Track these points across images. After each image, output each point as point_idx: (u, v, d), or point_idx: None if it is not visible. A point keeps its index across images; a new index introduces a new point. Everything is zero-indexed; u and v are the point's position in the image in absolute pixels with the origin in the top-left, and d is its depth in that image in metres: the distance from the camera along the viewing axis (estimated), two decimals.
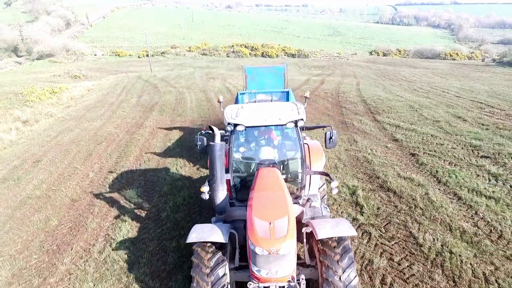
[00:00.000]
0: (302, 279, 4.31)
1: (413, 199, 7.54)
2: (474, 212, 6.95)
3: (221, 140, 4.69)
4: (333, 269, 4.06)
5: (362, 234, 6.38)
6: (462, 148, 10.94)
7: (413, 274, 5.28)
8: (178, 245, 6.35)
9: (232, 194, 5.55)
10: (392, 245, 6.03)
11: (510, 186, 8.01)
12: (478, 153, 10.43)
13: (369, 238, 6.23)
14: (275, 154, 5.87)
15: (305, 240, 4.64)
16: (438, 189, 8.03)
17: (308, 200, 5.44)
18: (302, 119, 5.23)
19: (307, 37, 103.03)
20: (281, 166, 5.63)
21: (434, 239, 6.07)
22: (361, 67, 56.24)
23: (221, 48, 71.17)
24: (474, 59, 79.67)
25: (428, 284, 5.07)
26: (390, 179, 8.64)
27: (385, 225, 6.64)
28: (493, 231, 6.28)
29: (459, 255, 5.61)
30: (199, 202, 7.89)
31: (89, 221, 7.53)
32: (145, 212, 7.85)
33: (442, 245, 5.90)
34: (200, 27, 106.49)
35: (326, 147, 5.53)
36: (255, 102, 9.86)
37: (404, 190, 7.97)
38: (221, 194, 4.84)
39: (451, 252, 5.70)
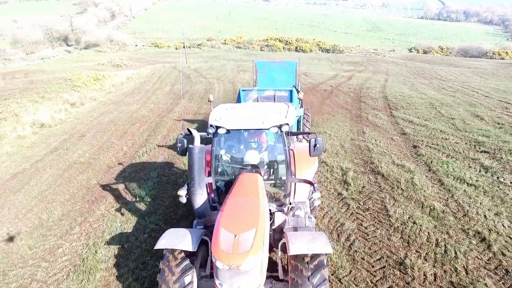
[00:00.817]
0: None
1: (398, 181, 8.47)
2: (450, 195, 7.77)
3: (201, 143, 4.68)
4: (303, 286, 3.90)
5: (342, 206, 7.48)
6: (465, 144, 11.46)
7: (375, 236, 6.34)
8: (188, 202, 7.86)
9: (215, 198, 5.41)
10: (366, 215, 7.08)
11: (497, 178, 8.63)
12: (479, 148, 10.94)
13: (347, 209, 7.33)
14: (260, 158, 5.53)
15: (280, 252, 4.52)
16: (425, 176, 8.86)
17: (291, 209, 5.36)
18: (287, 124, 4.95)
19: (344, 32, 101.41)
20: (269, 172, 5.51)
21: (403, 213, 7.05)
22: (397, 64, 55.05)
23: (255, 41, 72.53)
24: None
25: (384, 243, 6.12)
26: (383, 165, 9.56)
27: (364, 200, 7.68)
28: (460, 210, 7.11)
29: (420, 225, 6.57)
30: None
31: (120, 182, 9.27)
32: (165, 177, 9.45)
33: (408, 217, 6.87)
34: (236, 20, 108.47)
35: (310, 155, 5.13)
36: (257, 99, 9.86)
37: (392, 174, 8.89)
38: (200, 198, 4.82)
39: (414, 223, 6.67)
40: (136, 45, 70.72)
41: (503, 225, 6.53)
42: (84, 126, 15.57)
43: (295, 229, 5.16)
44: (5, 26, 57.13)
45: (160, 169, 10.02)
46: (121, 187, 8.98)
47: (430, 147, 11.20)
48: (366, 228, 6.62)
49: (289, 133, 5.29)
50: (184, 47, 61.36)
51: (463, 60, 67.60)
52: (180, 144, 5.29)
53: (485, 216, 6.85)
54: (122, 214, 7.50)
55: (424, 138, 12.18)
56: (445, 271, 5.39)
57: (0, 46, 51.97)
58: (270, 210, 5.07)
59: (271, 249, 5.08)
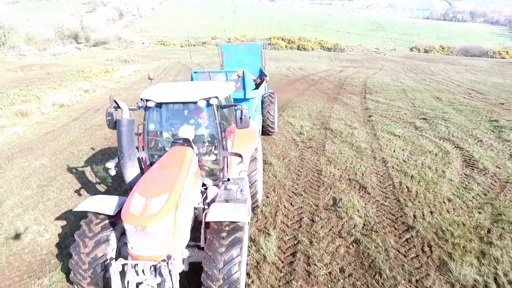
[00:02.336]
0: (173, 259, 3.88)
1: (341, 133, 11.22)
2: (376, 140, 10.50)
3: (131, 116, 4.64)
4: (214, 258, 3.93)
5: (293, 145, 10.26)
6: (412, 114, 14.11)
7: (309, 159, 9.11)
8: None
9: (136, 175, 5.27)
10: (307, 149, 9.86)
11: (421, 133, 11.29)
12: (421, 117, 13.60)
13: (296, 146, 10.12)
14: (190, 133, 5.47)
15: (204, 222, 4.54)
16: (365, 131, 11.59)
17: (223, 182, 5.50)
18: (216, 97, 5.10)
19: (347, 32, 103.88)
20: (206, 148, 5.65)
21: (335, 148, 9.80)
22: (395, 62, 57.43)
23: (258, 40, 75.45)
24: None
25: (313, 162, 8.88)
26: (335, 125, 12.31)
27: (310, 142, 10.45)
28: (378, 148, 9.84)
29: (344, 155, 9.32)
30: None
31: None
32: None
33: (338, 151, 9.62)
34: (241, 19, 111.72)
35: (237, 127, 5.33)
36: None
37: (339, 129, 11.64)
38: (131, 170, 4.81)
39: (340, 153, 9.42)
40: (143, 43, 74.15)
41: (402, 155, 9.25)
42: (98, 104, 18.57)
43: (226, 201, 5.20)
44: (18, 24, 60.93)
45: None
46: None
47: (381, 116, 13.89)
48: (304, 156, 9.39)
49: (219, 107, 5.37)
50: (188, 45, 64.62)
51: (462, 59, 69.64)
52: (110, 117, 5.07)
53: (394, 151, 9.57)
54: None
55: (381, 111, 14.86)
56: (348, 174, 8.14)
57: (15, 43, 55.63)
58: (205, 184, 5.37)
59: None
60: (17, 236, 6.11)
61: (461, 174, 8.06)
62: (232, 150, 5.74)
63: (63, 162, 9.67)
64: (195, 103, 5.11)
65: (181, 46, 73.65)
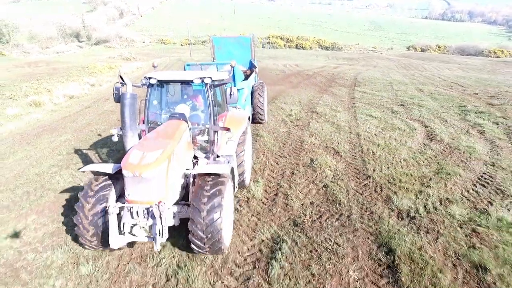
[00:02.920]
0: (164, 203, 4.49)
1: (325, 115, 12.90)
2: (355, 120, 12.18)
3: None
4: (198, 206, 4.52)
5: (282, 124, 11.93)
6: (392, 102, 15.79)
7: (294, 134, 10.77)
8: None
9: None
10: (294, 127, 11.54)
11: (395, 115, 12.95)
12: (400, 103, 15.27)
13: (285, 124, 11.80)
14: (186, 110, 6.28)
15: (192, 181, 5.06)
16: (347, 113, 13.26)
17: (212, 154, 6.08)
18: (209, 77, 5.75)
19: (346, 31, 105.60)
20: (200, 126, 6.25)
21: (318, 126, 11.48)
22: (390, 60, 59.11)
23: (257, 39, 77.10)
24: None
25: (298, 136, 10.54)
26: (321, 109, 13.98)
27: (298, 121, 12.13)
28: (355, 125, 11.51)
29: (324, 129, 11.01)
30: None
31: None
32: None
33: (320, 127, 11.30)
34: (241, 19, 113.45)
35: (226, 103, 6.24)
36: None
37: (323, 112, 13.33)
38: (131, 140, 5.28)
39: (322, 129, 11.10)
40: (143, 42, 75.78)
41: (375, 130, 10.93)
42: (107, 95, 20.23)
43: None
44: (21, 23, 62.55)
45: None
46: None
47: (364, 103, 15.56)
48: (291, 131, 11.07)
49: (212, 86, 6.04)
50: (189, 43, 66.31)
51: (457, 58, 71.34)
52: (116, 92, 5.81)
53: (368, 127, 11.26)
54: None
55: (365, 99, 16.53)
56: (326, 144, 9.82)
57: (19, 41, 57.25)
58: (196, 157, 6.00)
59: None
60: (58, 184, 7.76)
61: (420, 144, 9.74)
62: (216, 123, 6.17)
63: (84, 137, 11.33)
64: (191, 81, 5.82)
65: (181, 45, 75.32)
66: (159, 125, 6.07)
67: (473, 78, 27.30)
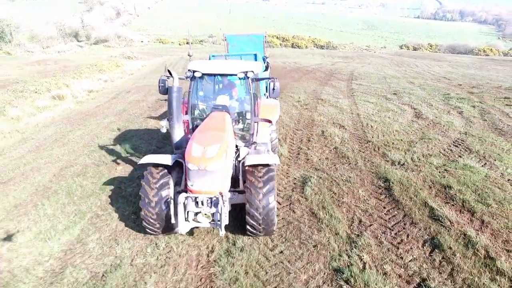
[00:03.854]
0: (227, 193, 5.21)
1: (329, 101, 15.16)
2: (355, 105, 14.45)
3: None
4: (255, 193, 5.03)
5: (294, 107, 14.14)
6: (386, 92, 18.11)
7: (305, 115, 13.00)
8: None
9: (190, 134, 6.21)
10: (304, 109, 13.78)
11: (389, 101, 15.25)
12: (393, 92, 17.60)
13: (296, 108, 14.03)
14: (228, 102, 6.59)
15: (241, 171, 5.69)
16: (347, 100, 15.54)
17: (253, 143, 6.46)
18: (252, 71, 6.06)
19: (340, 31, 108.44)
20: (238, 117, 6.58)
21: (324, 109, 13.74)
22: (383, 58, 61.72)
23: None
24: (511, 56, 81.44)
25: (308, 116, 12.77)
26: (325, 96, 16.25)
27: (306, 105, 14.37)
28: (355, 108, 13.78)
29: (329, 111, 13.25)
30: None
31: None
32: None
33: (326, 110, 13.55)
34: (236, 18, 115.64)
35: (269, 97, 6.44)
36: None
37: (327, 99, 15.60)
38: (178, 131, 5.71)
39: (328, 111, 13.35)
40: (141, 41, 77.45)
41: (372, 111, 13.23)
42: (126, 88, 22.25)
43: None
44: (21, 23, 63.91)
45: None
46: (163, 109, 15.62)
47: (362, 92, 17.86)
48: (302, 113, 13.31)
49: (254, 79, 6.37)
50: (187, 43, 68.33)
51: (448, 56, 74.42)
52: (162, 84, 6.14)
53: (366, 109, 13.54)
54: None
55: (362, 90, 18.83)
56: (332, 121, 12.05)
57: (21, 41, 58.67)
58: (237, 146, 6.22)
59: (237, 180, 5.98)
60: (124, 152, 9.86)
61: (409, 120, 12.05)
62: (256, 115, 6.54)
63: (126, 119, 13.43)
64: (235, 75, 6.10)
65: (179, 44, 77.14)
66: (200, 115, 6.53)
67: (460, 73, 29.88)
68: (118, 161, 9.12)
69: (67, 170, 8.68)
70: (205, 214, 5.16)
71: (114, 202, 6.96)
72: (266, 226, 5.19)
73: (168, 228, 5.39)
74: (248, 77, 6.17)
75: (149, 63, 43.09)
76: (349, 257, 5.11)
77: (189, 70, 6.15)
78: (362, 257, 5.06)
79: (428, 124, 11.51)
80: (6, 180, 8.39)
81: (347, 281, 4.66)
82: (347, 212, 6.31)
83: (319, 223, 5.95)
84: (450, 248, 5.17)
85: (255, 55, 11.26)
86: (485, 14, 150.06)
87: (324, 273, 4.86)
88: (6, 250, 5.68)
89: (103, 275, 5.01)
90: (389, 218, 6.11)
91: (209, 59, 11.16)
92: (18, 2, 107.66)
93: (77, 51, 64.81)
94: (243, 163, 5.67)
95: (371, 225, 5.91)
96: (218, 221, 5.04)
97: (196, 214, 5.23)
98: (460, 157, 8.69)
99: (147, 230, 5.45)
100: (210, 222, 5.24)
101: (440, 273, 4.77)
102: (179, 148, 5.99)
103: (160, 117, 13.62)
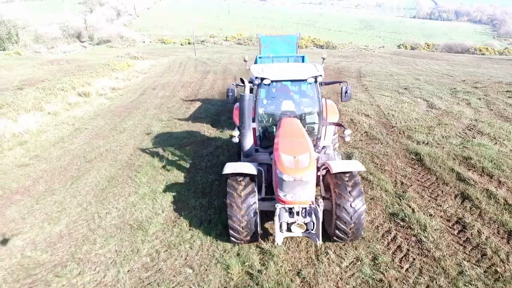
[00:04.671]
0: (321, 202, 5.23)
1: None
2: (372, 98, 16.06)
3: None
4: (346, 197, 5.09)
5: None
6: (397, 87, 19.74)
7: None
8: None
9: (257, 141, 6.34)
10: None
11: (401, 95, 16.87)
12: (403, 88, 19.25)
13: None
14: (295, 107, 6.63)
15: (321, 177, 5.75)
16: (365, 94, 17.14)
17: (323, 148, 6.44)
18: (321, 75, 6.08)
19: (338, 31, 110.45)
20: (302, 119, 6.47)
21: (347, 102, 15.31)
22: (383, 57, 63.60)
23: (255, 38, 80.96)
24: (506, 55, 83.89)
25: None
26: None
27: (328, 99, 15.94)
28: (373, 101, 15.38)
29: (352, 103, 14.82)
30: None
31: (195, 100, 17.36)
32: (210, 100, 17.56)
33: (348, 102, 15.12)
34: (235, 19, 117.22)
35: (341, 100, 6.53)
36: None
37: None
38: (249, 139, 5.85)
39: (349, 103, 14.92)
40: (143, 42, 78.68)
41: (389, 103, 14.84)
42: (150, 85, 23.65)
43: None
44: (25, 23, 64.84)
45: (208, 102, 18.16)
46: (197, 103, 17.09)
47: (374, 88, 19.48)
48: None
49: (322, 83, 6.35)
50: (189, 43, 69.73)
51: (445, 55, 76.68)
52: (231, 93, 6.25)
53: (384, 101, 15.15)
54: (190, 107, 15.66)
55: (374, 85, 20.45)
56: (357, 111, 13.63)
57: (26, 42, 59.68)
58: None
59: None
60: (183, 137, 11.35)
61: (424, 110, 13.68)
62: (325, 118, 6.58)
63: (167, 111, 14.92)
64: (305, 80, 6.20)
65: (181, 44, 78.47)
66: (266, 121, 6.67)
67: (460, 71, 31.72)
68: (181, 143, 10.61)
69: (139, 151, 10.16)
70: (300, 224, 5.18)
71: (196, 173, 8.48)
72: (356, 230, 5.28)
73: (254, 237, 5.46)
74: (317, 82, 6.27)
75: (158, 62, 44.40)
76: (399, 206, 6.67)
77: (256, 77, 6.15)
78: (410, 205, 6.63)
79: (441, 113, 13.14)
80: (89, 159, 9.86)
81: (402, 220, 6.23)
82: (390, 176, 7.90)
83: (370, 184, 7.52)
84: (477, 198, 6.76)
85: (303, 57, 11.60)
86: (480, 14, 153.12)
87: (383, 216, 6.42)
88: (123, 207, 7.17)
89: (210, 220, 6.53)
90: (424, 180, 7.69)
91: (256, 61, 11.38)
92: (16, 2, 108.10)
93: (82, 51, 65.93)
94: (325, 169, 5.71)
95: (411, 185, 7.49)
96: (312, 230, 5.14)
97: (290, 224, 5.25)
98: (474, 138, 10.30)
99: (232, 239, 5.48)
100: (303, 232, 5.28)
101: (472, 214, 6.36)
102: (249, 155, 6.13)
103: (200, 113, 15.13)
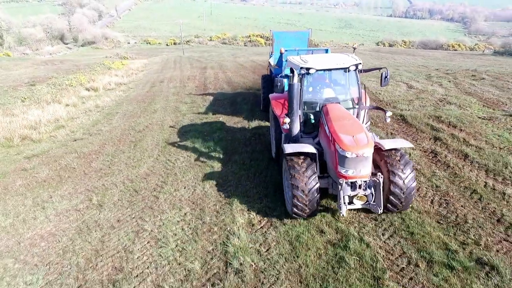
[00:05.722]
0: (380, 175, 5.72)
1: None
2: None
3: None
4: (399, 174, 5.69)
5: None
6: (379, 74, 22.72)
7: None
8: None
9: (301, 128, 6.89)
10: None
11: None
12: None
13: None
14: (335, 94, 7.22)
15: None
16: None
17: None
18: (360, 63, 6.69)
19: (319, 29, 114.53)
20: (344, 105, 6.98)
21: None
22: (363, 54, 67.50)
23: (239, 37, 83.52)
24: (476, 50, 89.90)
25: None
26: None
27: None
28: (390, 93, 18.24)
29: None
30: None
31: (204, 93, 19.75)
32: (222, 90, 20.01)
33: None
34: (218, 19, 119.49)
35: (381, 85, 7.11)
36: None
37: None
38: (296, 125, 6.53)
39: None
40: (128, 43, 79.73)
41: (376, 85, 17.72)
42: (155, 79, 25.78)
43: None
44: (9, 25, 64.93)
45: (219, 89, 20.59)
46: (209, 90, 19.46)
47: (361, 76, 22.38)
48: None
49: (361, 70, 6.88)
50: (174, 43, 71.55)
51: (421, 51, 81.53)
52: (279, 83, 6.85)
53: (371, 85, 18.02)
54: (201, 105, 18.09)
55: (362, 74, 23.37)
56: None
57: (11, 43, 59.98)
58: None
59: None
60: (208, 114, 13.75)
61: (405, 90, 16.65)
62: (364, 103, 7.17)
63: (187, 96, 17.23)
64: (347, 68, 6.67)
65: (167, 45, 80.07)
66: (309, 108, 7.18)
67: (435, 63, 35.46)
68: (215, 117, 13.06)
69: (178, 123, 12.54)
70: (360, 196, 5.78)
71: (235, 132, 10.97)
72: (406, 203, 5.96)
73: (314, 212, 6.09)
74: (358, 69, 6.90)
75: (151, 61, 46.20)
76: None
77: (301, 68, 6.57)
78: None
79: (419, 92, 16.12)
80: (139, 130, 12.18)
81: None
82: (383, 130, 10.65)
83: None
84: (445, 139, 9.60)
85: (327, 50, 12.40)
86: (452, 12, 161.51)
87: None
88: (187, 155, 9.58)
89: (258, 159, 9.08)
90: (407, 131, 10.53)
91: (281, 54, 11.43)
92: None
93: (68, 52, 66.58)
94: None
95: (398, 134, 10.28)
96: (373, 202, 5.85)
97: (351, 197, 5.83)
98: (444, 106, 13.25)
99: (294, 214, 6.03)
100: (362, 204, 5.91)
101: (441, 147, 9.16)
102: (296, 141, 6.79)
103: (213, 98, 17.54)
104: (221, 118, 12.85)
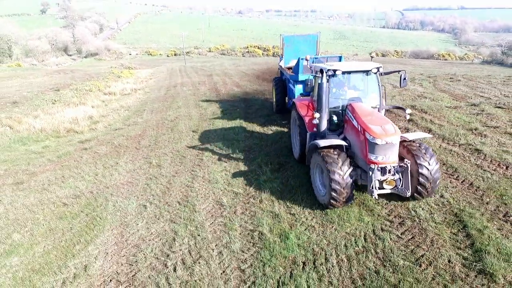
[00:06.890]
0: (407, 161, 6.35)
1: None
2: None
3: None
4: (426, 167, 6.35)
5: None
6: None
7: None
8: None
9: (326, 125, 7.54)
10: None
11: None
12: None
13: None
14: (358, 94, 7.99)
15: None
16: None
17: None
18: (381, 66, 7.42)
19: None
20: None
21: None
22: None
23: (238, 49, 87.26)
24: (466, 60, 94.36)
25: None
26: None
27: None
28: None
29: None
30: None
31: (217, 98, 22.67)
32: (239, 89, 22.96)
33: None
34: (216, 31, 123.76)
35: (400, 86, 7.87)
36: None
37: None
38: (324, 122, 7.25)
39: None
40: (130, 54, 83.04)
41: None
42: (168, 85, 28.68)
43: None
44: (17, 38, 67.95)
45: (230, 90, 23.51)
46: (222, 91, 22.36)
47: None
48: None
49: (382, 73, 7.67)
50: (175, 54, 74.89)
51: (413, 61, 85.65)
52: (309, 83, 7.73)
53: None
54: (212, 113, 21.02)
55: None
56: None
57: (19, 55, 62.93)
58: None
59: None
60: (235, 111, 16.61)
61: (390, 89, 19.66)
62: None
63: (203, 96, 20.11)
64: (369, 71, 7.60)
65: (167, 56, 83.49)
66: (335, 108, 7.78)
67: (427, 71, 38.84)
68: (232, 109, 15.92)
69: (204, 115, 15.36)
70: (389, 181, 6.37)
71: (252, 119, 13.82)
72: (431, 191, 6.65)
73: (349, 200, 6.66)
74: (379, 72, 7.68)
75: (157, 70, 49.26)
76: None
77: (328, 70, 7.34)
78: None
79: (402, 90, 19.14)
80: (172, 119, 14.99)
81: None
82: None
83: None
84: (417, 120, 12.51)
85: (340, 57, 12.58)
86: (442, 23, 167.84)
87: None
88: (219, 134, 12.40)
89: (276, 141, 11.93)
90: (388, 116, 13.41)
91: (298, 60, 11.88)
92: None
93: (72, 63, 69.62)
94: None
95: None
96: (401, 186, 6.45)
97: (381, 182, 6.39)
98: (421, 99, 16.24)
99: (331, 204, 6.63)
100: (391, 188, 6.48)
101: (412, 126, 12.06)
102: (323, 137, 7.52)
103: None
104: (238, 109, 15.71)
